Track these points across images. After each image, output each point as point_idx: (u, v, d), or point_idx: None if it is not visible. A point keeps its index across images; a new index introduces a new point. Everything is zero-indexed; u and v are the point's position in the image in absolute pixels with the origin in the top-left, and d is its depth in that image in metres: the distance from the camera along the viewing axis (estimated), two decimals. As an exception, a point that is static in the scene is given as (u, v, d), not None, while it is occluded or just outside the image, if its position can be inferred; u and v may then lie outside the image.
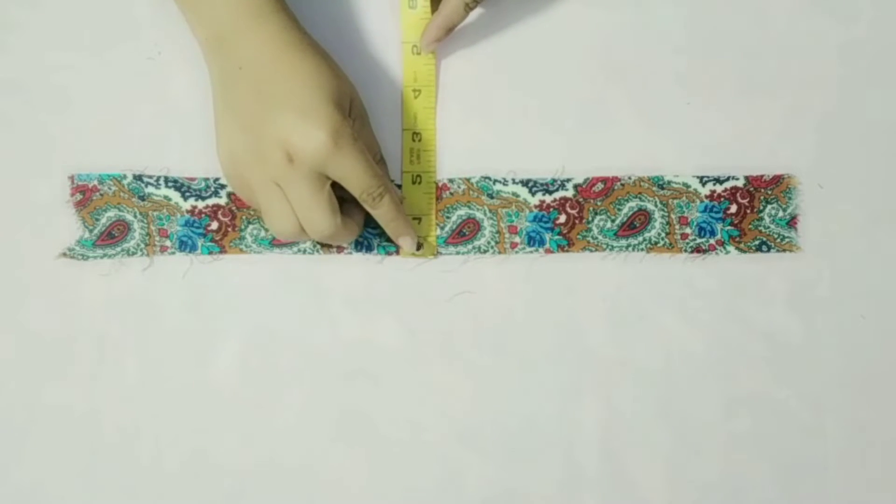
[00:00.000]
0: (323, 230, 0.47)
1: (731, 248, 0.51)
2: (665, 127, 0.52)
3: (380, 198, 0.47)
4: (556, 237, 0.51)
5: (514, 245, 0.51)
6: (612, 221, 0.51)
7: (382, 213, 0.48)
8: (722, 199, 0.51)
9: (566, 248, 0.51)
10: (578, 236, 0.51)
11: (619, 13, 0.53)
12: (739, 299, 0.51)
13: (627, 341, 0.50)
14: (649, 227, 0.51)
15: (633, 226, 0.51)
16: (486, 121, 0.52)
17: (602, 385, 0.50)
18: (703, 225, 0.51)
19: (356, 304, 0.51)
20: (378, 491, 0.50)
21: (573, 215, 0.51)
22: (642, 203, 0.51)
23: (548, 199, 0.51)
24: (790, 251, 0.51)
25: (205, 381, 0.50)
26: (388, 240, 0.51)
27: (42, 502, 0.49)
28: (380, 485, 0.50)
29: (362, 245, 0.51)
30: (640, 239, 0.51)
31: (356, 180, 0.46)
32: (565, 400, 0.50)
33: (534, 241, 0.51)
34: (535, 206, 0.51)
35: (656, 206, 0.51)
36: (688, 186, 0.51)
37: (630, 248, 0.51)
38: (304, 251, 0.51)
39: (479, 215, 0.51)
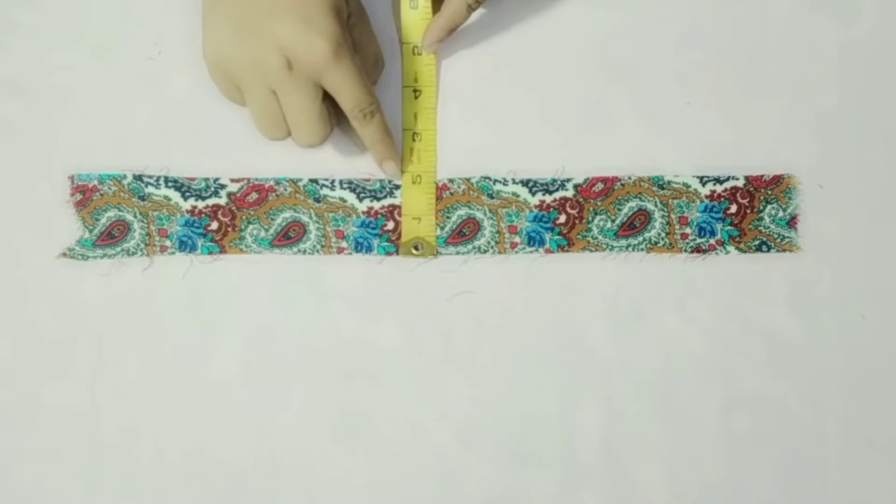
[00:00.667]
0: (312, 140, 0.48)
1: (731, 248, 0.51)
2: (665, 127, 0.52)
3: (371, 115, 0.48)
4: (556, 237, 0.51)
5: (514, 245, 0.51)
6: (612, 221, 0.51)
7: (371, 132, 0.49)
8: (722, 199, 0.51)
9: (566, 248, 0.51)
10: (578, 236, 0.51)
11: (619, 13, 0.53)
12: (739, 299, 0.51)
13: (627, 341, 0.50)
14: (649, 227, 0.51)
15: (633, 226, 0.51)
16: (486, 121, 0.52)
17: (602, 385, 0.50)
18: (703, 225, 0.51)
19: (356, 304, 0.51)
20: (378, 491, 0.49)
21: (573, 215, 0.51)
22: (642, 203, 0.51)
23: (548, 199, 0.51)
24: (790, 251, 0.51)
25: (205, 381, 0.50)
26: (389, 240, 0.51)
27: (42, 502, 0.49)
28: (380, 485, 0.50)
29: (362, 245, 0.51)
30: (640, 239, 0.51)
31: (350, 94, 0.47)
32: (565, 400, 0.50)
33: (534, 241, 0.51)
34: (535, 206, 0.51)
35: (656, 206, 0.51)
36: (688, 186, 0.51)
37: (630, 248, 0.51)
38: (304, 251, 0.51)
39: (479, 215, 0.51)
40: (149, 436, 0.50)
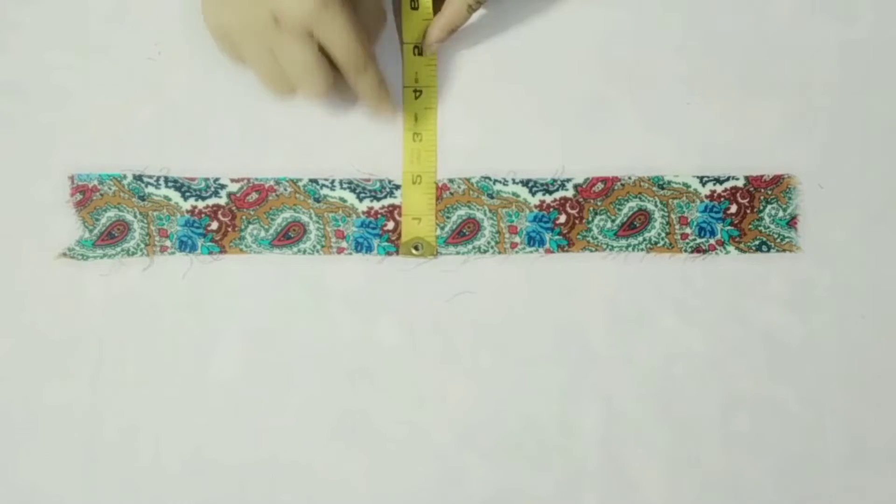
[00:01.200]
0: (315, 89, 0.47)
1: (731, 248, 0.51)
2: (665, 127, 0.52)
3: (363, 69, 0.48)
4: (556, 237, 0.51)
5: (514, 245, 0.51)
6: (612, 221, 0.51)
7: (365, 86, 0.49)
8: (722, 199, 0.51)
9: (566, 248, 0.51)
10: (578, 236, 0.51)
11: (619, 13, 0.53)
12: (739, 299, 0.51)
13: (627, 341, 0.50)
14: (649, 227, 0.51)
15: (633, 226, 0.51)
16: (486, 121, 0.52)
17: (602, 385, 0.50)
18: (703, 225, 0.51)
19: (356, 304, 0.51)
20: (378, 491, 0.49)
21: (573, 215, 0.51)
22: (642, 203, 0.51)
23: (548, 199, 0.51)
24: (790, 251, 0.51)
25: (205, 381, 0.50)
26: (389, 240, 0.51)
27: (42, 502, 0.49)
28: (380, 485, 0.50)
29: (362, 245, 0.51)
30: (640, 239, 0.51)
31: (341, 46, 0.47)
32: (565, 400, 0.50)
33: (534, 241, 0.51)
34: (535, 207, 0.51)
35: (656, 206, 0.51)
36: (688, 186, 0.51)
37: (630, 248, 0.51)
38: (304, 251, 0.51)
39: (479, 215, 0.51)
40: (149, 436, 0.50)
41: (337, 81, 0.50)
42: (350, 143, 0.52)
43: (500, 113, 0.52)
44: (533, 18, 0.53)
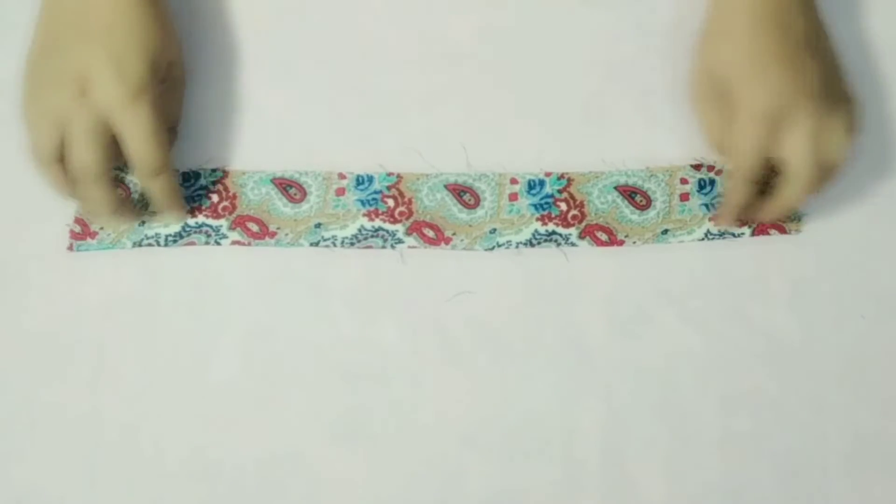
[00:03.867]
0: (87, 167, 0.45)
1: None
2: (665, 126, 0.52)
3: (156, 175, 0.47)
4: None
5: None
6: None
7: (156, 191, 0.48)
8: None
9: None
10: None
11: (619, 13, 0.53)
12: (739, 298, 0.51)
13: (627, 341, 0.50)
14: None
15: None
16: (485, 120, 0.52)
17: (602, 385, 0.50)
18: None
19: (356, 304, 0.51)
20: (378, 491, 0.49)
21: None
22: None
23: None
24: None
25: (205, 381, 0.50)
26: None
27: (42, 502, 0.49)
28: (380, 485, 0.50)
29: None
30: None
31: (138, 145, 0.45)
32: (565, 400, 0.50)
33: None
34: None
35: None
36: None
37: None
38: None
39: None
40: (149, 435, 0.50)
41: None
42: (351, 143, 0.52)
43: (499, 113, 0.52)
44: (533, 18, 0.53)
